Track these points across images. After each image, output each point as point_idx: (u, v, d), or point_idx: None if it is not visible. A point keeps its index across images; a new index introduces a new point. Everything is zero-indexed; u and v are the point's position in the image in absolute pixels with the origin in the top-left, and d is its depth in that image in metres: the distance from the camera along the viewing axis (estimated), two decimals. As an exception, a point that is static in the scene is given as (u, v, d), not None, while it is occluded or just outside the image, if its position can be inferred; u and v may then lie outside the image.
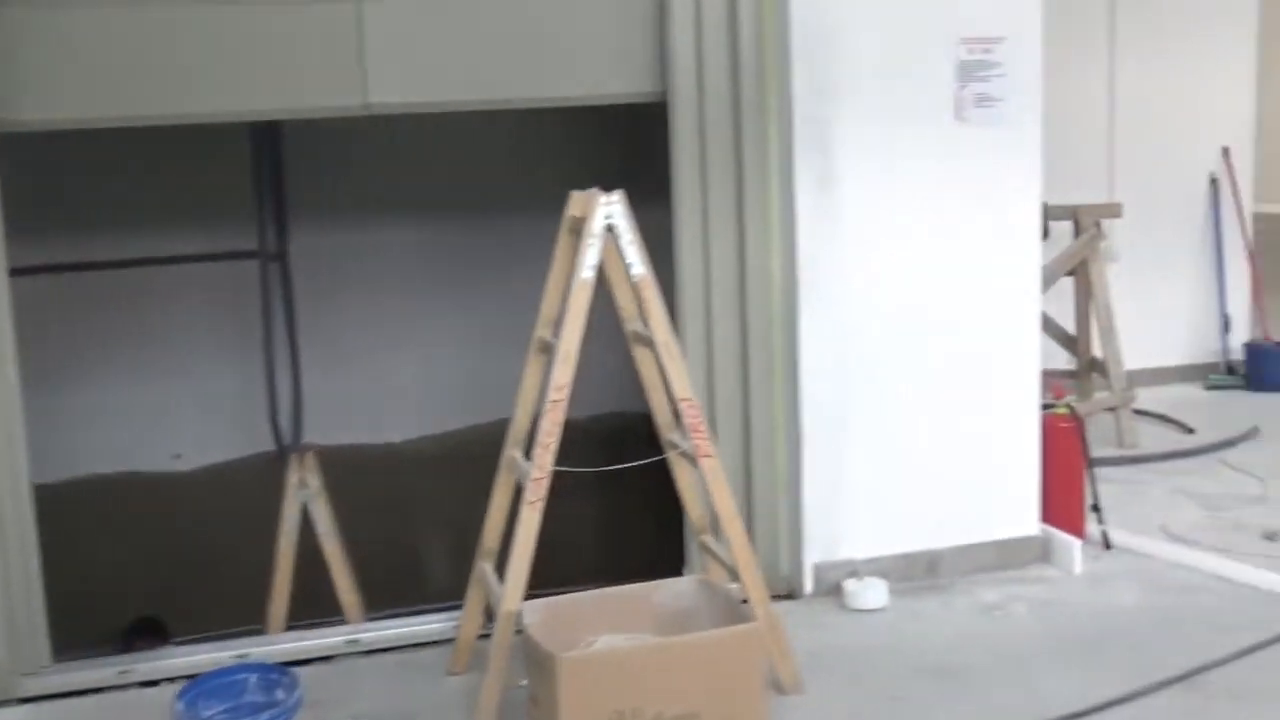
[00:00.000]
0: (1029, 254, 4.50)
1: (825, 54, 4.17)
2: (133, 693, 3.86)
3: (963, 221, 4.37)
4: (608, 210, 3.48)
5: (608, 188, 3.52)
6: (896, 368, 4.39)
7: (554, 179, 3.95)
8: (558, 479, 3.46)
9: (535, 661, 3.21)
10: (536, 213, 4.20)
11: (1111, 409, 6.21)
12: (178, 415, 5.76)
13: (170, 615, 5.38)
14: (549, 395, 3.44)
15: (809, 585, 4.40)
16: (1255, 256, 7.41)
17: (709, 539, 3.91)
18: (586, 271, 3.47)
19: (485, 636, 3.65)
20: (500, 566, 3.59)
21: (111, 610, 5.26)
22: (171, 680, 3.84)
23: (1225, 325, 7.34)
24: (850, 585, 4.32)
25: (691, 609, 3.55)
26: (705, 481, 3.61)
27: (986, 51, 4.27)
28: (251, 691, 3.67)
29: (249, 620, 4.79)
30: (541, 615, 3.36)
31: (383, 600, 5.00)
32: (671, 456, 3.81)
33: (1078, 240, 6.24)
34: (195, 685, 3.63)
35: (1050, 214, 6.03)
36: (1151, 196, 7.12)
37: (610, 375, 4.72)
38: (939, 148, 4.31)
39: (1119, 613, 4.18)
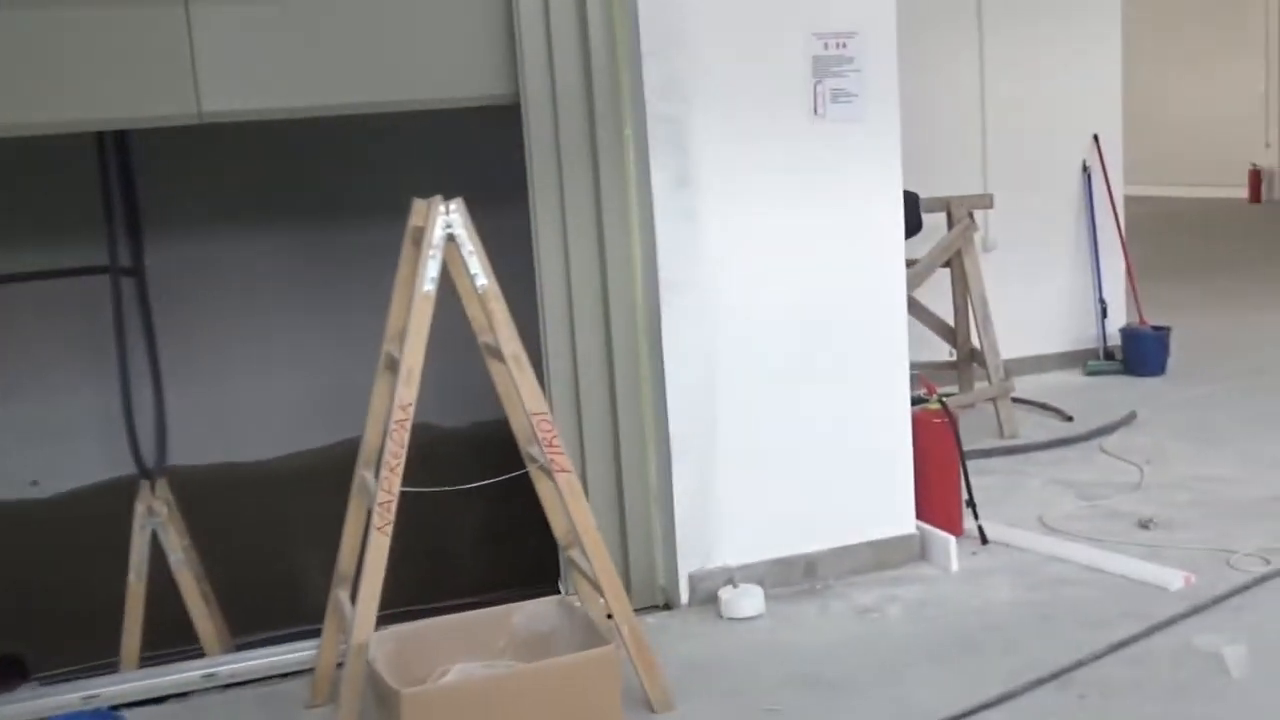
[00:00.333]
0: (892, 249, 4.44)
1: (676, 52, 4.07)
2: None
3: (824, 219, 4.30)
4: (447, 220, 3.34)
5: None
6: (764, 369, 4.31)
7: (423, 183, 3.76)
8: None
9: (379, 696, 3.08)
10: (404, 218, 4.06)
11: (992, 399, 6.21)
12: (34, 440, 5.50)
13: (31, 651, 5.14)
14: (393, 415, 3.31)
15: (685, 595, 4.32)
16: (1128, 242, 7.47)
17: (575, 553, 3.80)
18: (428, 285, 3.34)
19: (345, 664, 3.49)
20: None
21: (-33, 646, 5.02)
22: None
23: (1102, 311, 7.39)
24: (725, 594, 4.24)
25: (550, 632, 3.44)
26: (562, 496, 3.50)
27: (841, 47, 4.21)
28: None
29: (111, 654, 4.62)
30: (391, 646, 3.23)
31: (256, 623, 4.86)
32: (531, 471, 3.70)
33: (951, 232, 6.23)
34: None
35: (924, 206, 6.04)
36: (1026, 185, 7.16)
37: (490, 381, 4.60)
38: (797, 144, 4.23)
39: (993, 610, 4.15)
